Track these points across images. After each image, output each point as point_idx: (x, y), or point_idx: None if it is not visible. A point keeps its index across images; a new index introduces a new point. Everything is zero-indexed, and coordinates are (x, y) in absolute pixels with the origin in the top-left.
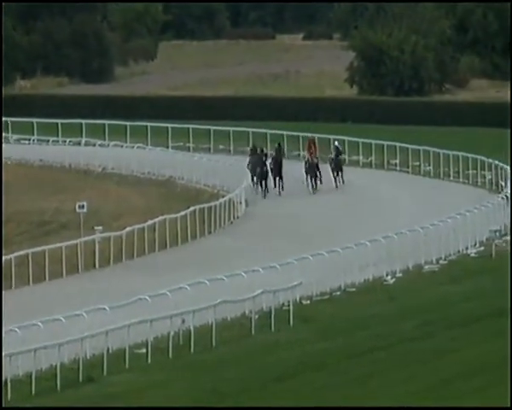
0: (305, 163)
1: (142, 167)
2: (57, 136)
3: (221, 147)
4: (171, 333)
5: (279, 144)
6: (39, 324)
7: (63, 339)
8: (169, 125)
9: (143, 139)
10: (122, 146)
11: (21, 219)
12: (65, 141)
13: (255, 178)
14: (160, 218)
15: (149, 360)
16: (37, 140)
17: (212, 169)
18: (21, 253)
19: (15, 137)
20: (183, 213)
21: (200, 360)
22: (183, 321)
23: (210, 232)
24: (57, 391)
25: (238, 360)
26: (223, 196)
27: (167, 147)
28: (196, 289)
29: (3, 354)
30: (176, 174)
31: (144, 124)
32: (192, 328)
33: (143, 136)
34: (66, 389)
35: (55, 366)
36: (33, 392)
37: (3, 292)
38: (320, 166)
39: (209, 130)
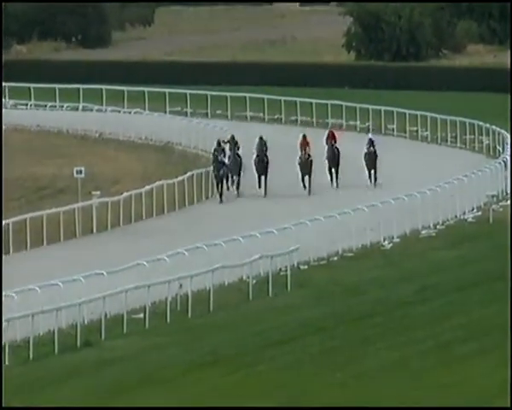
0: (299, 158)
1: (139, 133)
2: (54, 101)
3: (218, 112)
4: (169, 298)
5: (261, 138)
6: (37, 289)
7: (61, 304)
8: (166, 91)
9: (141, 104)
10: (119, 111)
11: (18, 185)
12: (62, 106)
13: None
14: (158, 183)
15: (147, 325)
16: (35, 105)
17: (209, 134)
18: (19, 218)
19: (12, 102)
20: (180, 178)
21: (197, 324)
22: (181, 286)
23: (207, 197)
24: (55, 356)
25: (236, 324)
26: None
27: (165, 112)
28: (194, 255)
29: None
30: (173, 139)
31: (142, 89)
32: (190, 293)
33: (141, 101)
34: (64, 353)
35: (53, 330)
36: (31, 357)
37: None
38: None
39: (206, 95)
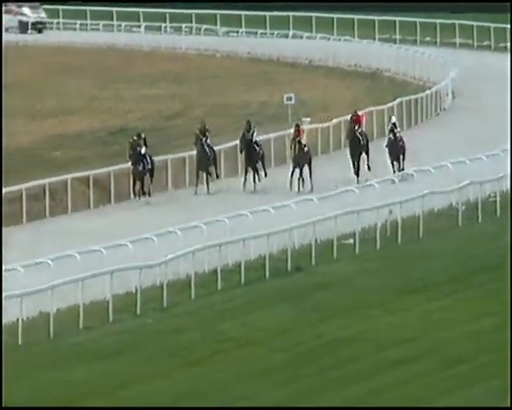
0: (293, 152)
1: (348, 60)
2: (265, 28)
3: (427, 39)
4: (379, 224)
5: (248, 121)
6: (248, 214)
7: (272, 229)
8: (376, 18)
9: (350, 32)
10: (329, 39)
11: (228, 112)
12: (273, 33)
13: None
14: (367, 110)
15: (357, 251)
16: (246, 32)
17: (418, 61)
18: (226, 145)
19: (224, 29)
20: (390, 104)
21: (407, 250)
22: (391, 212)
23: (416, 124)
24: (266, 280)
25: (445, 250)
26: (429, 88)
27: (374, 39)
28: (404, 181)
29: (213, 243)
30: (382, 66)
31: (351, 16)
32: (399, 219)
33: (350, 28)
34: (275, 278)
35: (264, 256)
36: (242, 281)
37: (207, 185)
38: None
39: (415, 22)
